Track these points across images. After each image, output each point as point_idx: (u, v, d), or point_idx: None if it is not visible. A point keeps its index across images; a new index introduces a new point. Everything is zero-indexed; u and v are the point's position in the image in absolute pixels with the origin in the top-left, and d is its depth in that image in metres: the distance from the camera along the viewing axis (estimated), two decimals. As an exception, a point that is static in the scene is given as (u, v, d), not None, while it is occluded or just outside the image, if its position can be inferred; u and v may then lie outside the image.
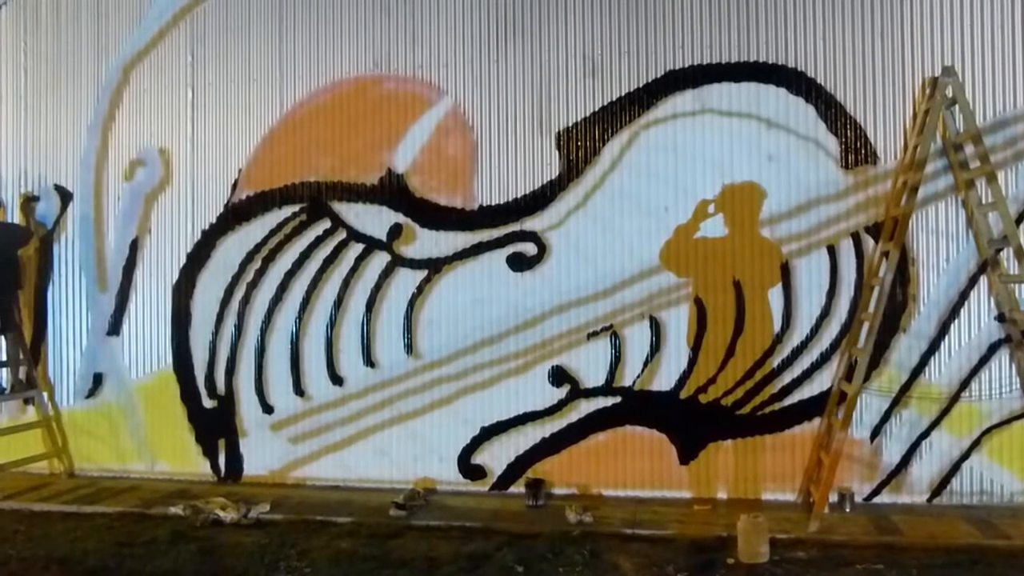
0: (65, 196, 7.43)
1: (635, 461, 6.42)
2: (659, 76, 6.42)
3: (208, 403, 7.13)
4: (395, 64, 6.88)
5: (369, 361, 6.85)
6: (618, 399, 6.46)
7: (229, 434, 7.09)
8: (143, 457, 7.26)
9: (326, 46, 6.97)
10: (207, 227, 7.13)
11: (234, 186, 7.11)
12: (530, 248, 6.61)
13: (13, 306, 7.11)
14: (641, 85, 6.45)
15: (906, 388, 6.07)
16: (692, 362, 6.35)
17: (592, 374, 6.50)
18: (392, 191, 6.83)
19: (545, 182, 6.60)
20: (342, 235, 6.91)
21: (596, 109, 6.54)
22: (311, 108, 7.00)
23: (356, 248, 6.88)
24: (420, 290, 6.77)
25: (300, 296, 6.96)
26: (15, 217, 7.50)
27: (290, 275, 6.97)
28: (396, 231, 6.81)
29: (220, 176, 7.13)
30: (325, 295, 6.93)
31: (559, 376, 6.54)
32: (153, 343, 7.25)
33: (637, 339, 6.43)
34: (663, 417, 6.40)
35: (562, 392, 6.54)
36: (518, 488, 6.47)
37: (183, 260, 7.17)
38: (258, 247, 7.03)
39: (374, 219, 6.86)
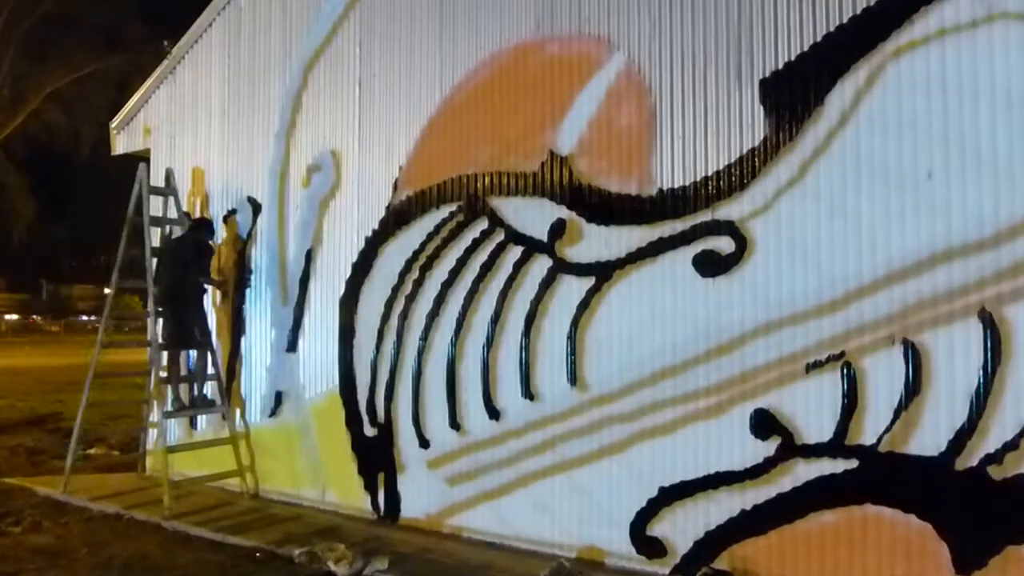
0: (256, 207, 7.27)
1: (881, 558, 4.21)
2: (913, -25, 4.25)
3: (369, 431, 6.37)
4: (559, 21, 5.52)
5: (528, 392, 5.52)
6: (854, 463, 4.32)
7: (388, 468, 6.23)
8: (315, 484, 6.72)
9: (485, 12, 5.87)
10: (370, 233, 6.42)
11: (395, 186, 6.30)
12: (725, 244, 4.78)
13: (195, 319, 7.02)
14: (885, -7, 4.33)
15: None
16: (976, 413, 4.02)
17: (814, 423, 4.45)
18: (555, 179, 5.47)
19: (745, 150, 4.74)
20: (500, 236, 5.71)
21: (817, 39, 4.53)
22: (469, 89, 5.93)
23: (515, 252, 5.63)
24: (586, 303, 5.29)
25: (457, 311, 5.89)
26: (220, 233, 7.54)
27: (447, 286, 5.94)
28: (559, 228, 5.43)
29: (384, 176, 6.38)
30: (482, 309, 5.77)
31: (766, 424, 4.60)
32: (325, 361, 6.71)
33: (884, 374, 4.25)
34: (927, 496, 4.13)
35: (769, 447, 4.58)
36: (708, 575, 4.67)
37: (348, 271, 6.55)
38: (416, 254, 6.13)
39: (535, 215, 5.54)
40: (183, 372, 7.15)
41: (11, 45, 32.86)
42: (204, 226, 7.30)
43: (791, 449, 4.52)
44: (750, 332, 4.68)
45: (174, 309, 6.91)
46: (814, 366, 4.46)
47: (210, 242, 7.31)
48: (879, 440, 4.26)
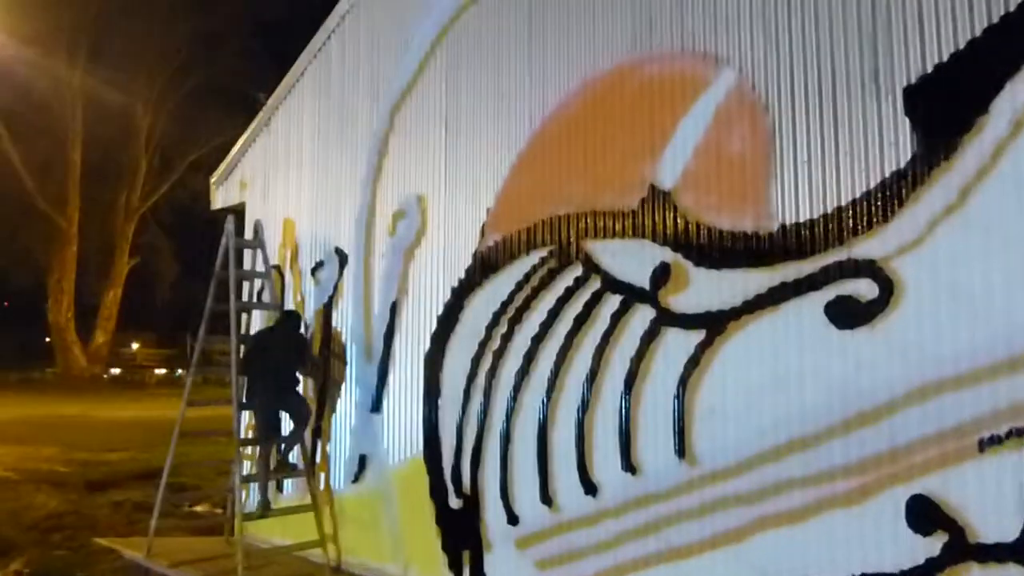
0: (343, 259, 6.90)
1: None
2: (1107, -60, 3.34)
3: (455, 502, 5.73)
4: (659, 37, 4.88)
5: (628, 464, 4.74)
6: (1052, 573, 3.32)
7: (474, 545, 5.55)
8: (398, 558, 6.12)
9: (577, 32, 5.30)
10: (456, 283, 5.89)
11: (482, 231, 5.76)
12: (865, 288, 3.90)
13: (289, 408, 6.62)
14: (1068, -33, 3.43)
15: None
16: None
17: (992, 518, 3.45)
18: (656, 217, 4.76)
19: (888, 174, 3.88)
20: (596, 284, 5.02)
21: (977, 33, 3.67)
22: (560, 120, 5.35)
23: (613, 301, 4.92)
24: (696, 360, 4.49)
25: (549, 368, 5.22)
26: (307, 286, 7.21)
27: (538, 340, 5.29)
28: (662, 274, 4.69)
29: (471, 220, 5.86)
30: (577, 367, 5.07)
31: (927, 515, 3.62)
32: (409, 423, 6.16)
33: (1089, 456, 3.26)
34: None
35: (933, 545, 3.60)
36: None
37: (434, 324, 6.02)
38: (504, 305, 5.52)
39: (634, 259, 4.83)
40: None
41: (161, 118, 35.51)
42: (292, 318, 6.90)
43: (962, 550, 3.52)
44: (901, 398, 3.74)
45: (266, 402, 6.53)
46: (990, 443, 3.48)
47: (301, 331, 6.95)
48: (1087, 543, 3.24)
